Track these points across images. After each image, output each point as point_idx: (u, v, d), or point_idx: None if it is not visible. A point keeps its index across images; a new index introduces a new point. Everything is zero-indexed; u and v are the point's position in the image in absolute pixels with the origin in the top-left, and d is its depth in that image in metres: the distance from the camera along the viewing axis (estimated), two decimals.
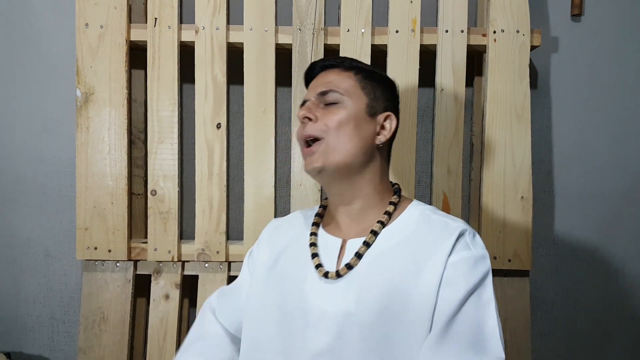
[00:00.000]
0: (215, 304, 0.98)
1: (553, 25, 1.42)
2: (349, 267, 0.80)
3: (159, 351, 1.30)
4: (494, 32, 1.29)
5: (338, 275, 0.80)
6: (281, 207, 1.41)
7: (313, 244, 0.85)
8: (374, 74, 0.89)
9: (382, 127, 0.86)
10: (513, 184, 1.29)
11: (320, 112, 0.83)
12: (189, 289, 1.41)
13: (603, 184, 1.43)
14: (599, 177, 1.43)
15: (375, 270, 0.79)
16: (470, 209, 1.42)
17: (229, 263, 1.33)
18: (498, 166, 1.29)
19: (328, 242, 0.85)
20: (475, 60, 1.40)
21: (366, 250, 0.81)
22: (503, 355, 0.74)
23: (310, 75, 0.93)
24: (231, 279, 1.33)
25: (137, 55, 1.35)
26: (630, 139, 1.43)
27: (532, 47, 1.30)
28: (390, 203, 0.86)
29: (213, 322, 0.95)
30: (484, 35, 1.30)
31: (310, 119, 0.83)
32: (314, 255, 0.84)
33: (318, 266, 0.82)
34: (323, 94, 0.85)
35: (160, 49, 1.28)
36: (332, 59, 0.91)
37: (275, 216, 1.31)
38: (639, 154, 1.42)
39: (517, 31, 1.29)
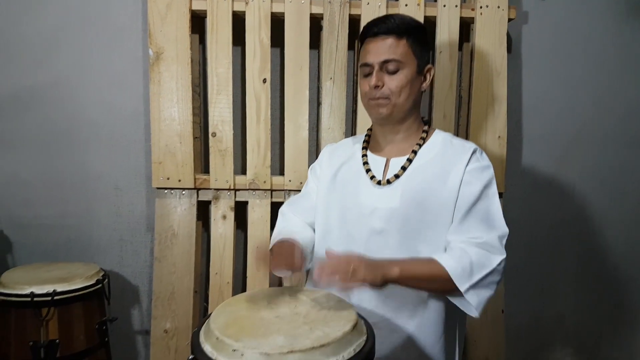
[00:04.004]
0: (288, 209, 1.31)
1: (525, 2, 1.79)
2: (397, 176, 1.11)
3: (220, 258, 1.66)
4: (480, 7, 1.64)
5: (388, 182, 1.12)
6: (312, 147, 1.76)
7: (366, 162, 1.18)
8: (418, 33, 1.11)
9: (424, 78, 1.15)
10: (492, 127, 1.67)
11: (384, 78, 1.09)
12: (236, 215, 1.75)
13: (558, 127, 1.85)
14: (555, 123, 1.84)
15: (414, 179, 1.10)
16: None
17: (272, 191, 1.68)
18: (481, 112, 1.67)
19: (376, 160, 1.17)
20: (464, 29, 1.75)
21: (409, 165, 1.12)
22: (507, 230, 1.06)
23: (366, 33, 1.13)
24: (273, 204, 1.67)
25: (192, 22, 1.63)
26: (579, 92, 1.84)
27: (509, 20, 1.66)
28: (424, 131, 1.17)
29: (292, 217, 1.29)
30: (473, 9, 1.65)
31: (378, 86, 1.09)
32: (368, 170, 1.16)
33: (372, 177, 1.14)
34: (386, 62, 1.08)
35: (218, 17, 1.58)
36: (386, 25, 1.08)
37: (309, 154, 1.66)
38: (587, 105, 1.84)
39: (498, 7, 1.65)
